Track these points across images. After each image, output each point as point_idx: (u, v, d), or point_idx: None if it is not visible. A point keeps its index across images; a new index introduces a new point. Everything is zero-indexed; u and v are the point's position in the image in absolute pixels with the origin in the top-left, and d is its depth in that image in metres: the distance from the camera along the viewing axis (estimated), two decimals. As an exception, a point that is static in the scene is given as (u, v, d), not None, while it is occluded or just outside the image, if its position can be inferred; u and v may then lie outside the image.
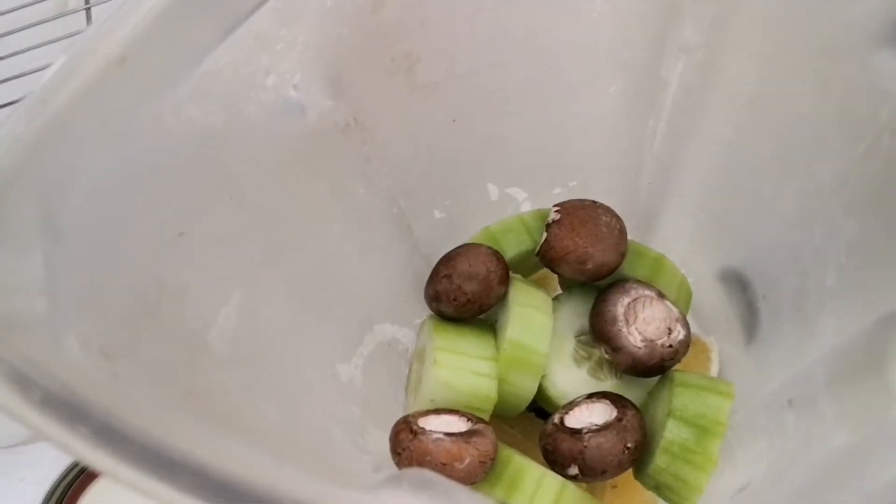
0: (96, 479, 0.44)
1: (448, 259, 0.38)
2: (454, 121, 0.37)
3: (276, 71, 0.28)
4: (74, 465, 0.44)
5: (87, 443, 0.17)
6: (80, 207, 0.23)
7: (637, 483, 0.38)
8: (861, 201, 0.29)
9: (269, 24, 0.26)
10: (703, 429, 0.36)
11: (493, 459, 0.37)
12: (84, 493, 0.44)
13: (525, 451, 0.37)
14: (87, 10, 0.63)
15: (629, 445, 0.38)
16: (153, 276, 0.26)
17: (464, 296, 0.37)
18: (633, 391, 0.40)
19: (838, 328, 0.29)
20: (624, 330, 0.36)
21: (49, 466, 0.44)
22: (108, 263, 0.24)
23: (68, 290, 0.22)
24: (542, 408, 0.39)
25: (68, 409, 0.17)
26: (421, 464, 0.35)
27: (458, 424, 0.36)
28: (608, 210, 0.37)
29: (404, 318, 0.42)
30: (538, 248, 0.37)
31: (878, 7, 0.25)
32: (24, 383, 0.18)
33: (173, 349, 0.26)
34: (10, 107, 0.54)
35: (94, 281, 0.23)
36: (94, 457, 0.17)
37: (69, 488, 0.44)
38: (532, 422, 0.40)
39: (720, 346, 0.43)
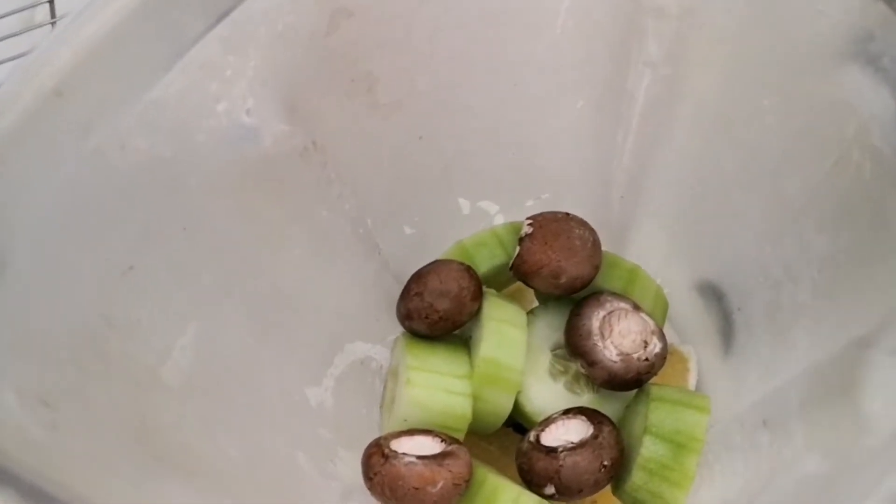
0: None
1: (419, 276, 0.37)
2: (420, 137, 0.37)
3: (227, 97, 0.27)
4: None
5: (12, 506, 0.16)
6: (19, 246, 0.23)
7: (615, 499, 0.38)
8: (832, 217, 0.28)
9: (215, 52, 0.26)
10: (679, 445, 0.36)
11: (467, 482, 0.36)
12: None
13: (503, 468, 0.36)
14: (53, 24, 0.62)
15: (605, 463, 0.37)
16: (100, 313, 0.25)
17: (436, 313, 0.37)
18: (611, 405, 0.39)
19: (812, 344, 0.29)
20: (599, 344, 0.36)
21: None
22: (51, 304, 0.23)
23: (4, 338, 0.21)
24: (519, 423, 0.38)
25: (-3, 474, 0.17)
26: (393, 488, 0.34)
27: (432, 446, 0.36)
28: (582, 222, 0.37)
29: (377, 336, 0.41)
30: (511, 262, 0.37)
31: (841, 23, 0.24)
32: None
33: (122, 389, 0.25)
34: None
35: (34, 324, 0.22)
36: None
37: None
38: (510, 437, 0.40)
39: (698, 356, 0.42)
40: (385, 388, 0.42)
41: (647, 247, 0.41)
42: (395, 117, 0.34)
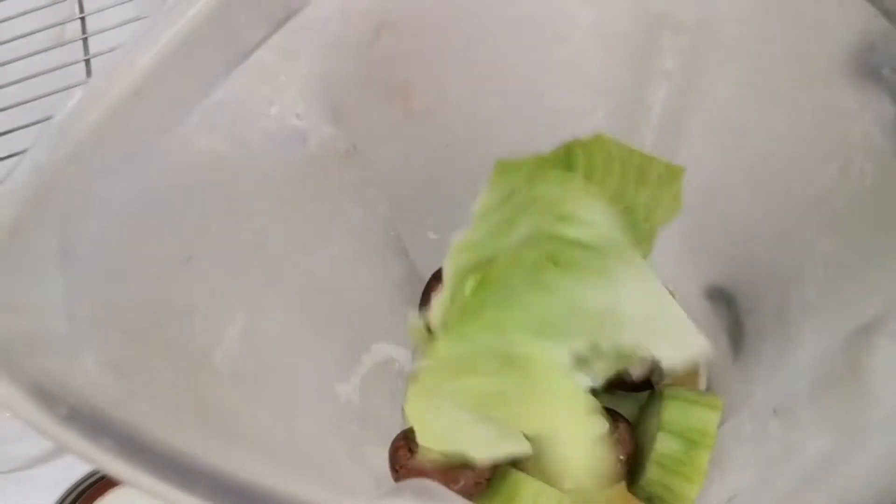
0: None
1: (439, 275, 0.39)
2: (447, 145, 0.39)
3: (280, 101, 0.29)
4: (72, 489, 0.44)
5: (111, 455, 0.18)
6: (95, 234, 0.25)
7: (630, 495, 0.39)
8: (837, 219, 0.30)
9: (271, 59, 0.28)
10: (692, 441, 0.37)
11: (488, 480, 0.38)
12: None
13: (521, 465, 0.38)
14: (84, 39, 0.64)
15: (621, 457, 0.39)
16: (162, 298, 0.27)
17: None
18: (626, 405, 0.41)
19: (819, 337, 0.30)
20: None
21: (48, 491, 0.44)
22: (120, 286, 0.25)
23: (85, 312, 0.23)
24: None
25: (92, 424, 0.19)
26: (418, 481, 0.35)
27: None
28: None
29: (401, 338, 0.43)
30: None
31: (844, 36, 0.26)
32: (49, 400, 0.19)
33: (180, 367, 0.27)
34: (8, 135, 0.56)
35: (107, 303, 0.24)
36: (117, 468, 0.18)
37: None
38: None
39: (708, 362, 0.44)
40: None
41: (660, 253, 0.42)
42: (427, 125, 0.36)
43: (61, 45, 0.64)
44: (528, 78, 0.36)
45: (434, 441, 0.34)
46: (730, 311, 0.41)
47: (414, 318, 0.38)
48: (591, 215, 0.36)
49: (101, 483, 0.44)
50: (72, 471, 0.44)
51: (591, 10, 0.32)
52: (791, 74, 0.30)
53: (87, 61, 0.63)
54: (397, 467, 0.39)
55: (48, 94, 0.56)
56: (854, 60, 0.26)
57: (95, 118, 0.23)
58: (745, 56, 0.31)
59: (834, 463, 0.24)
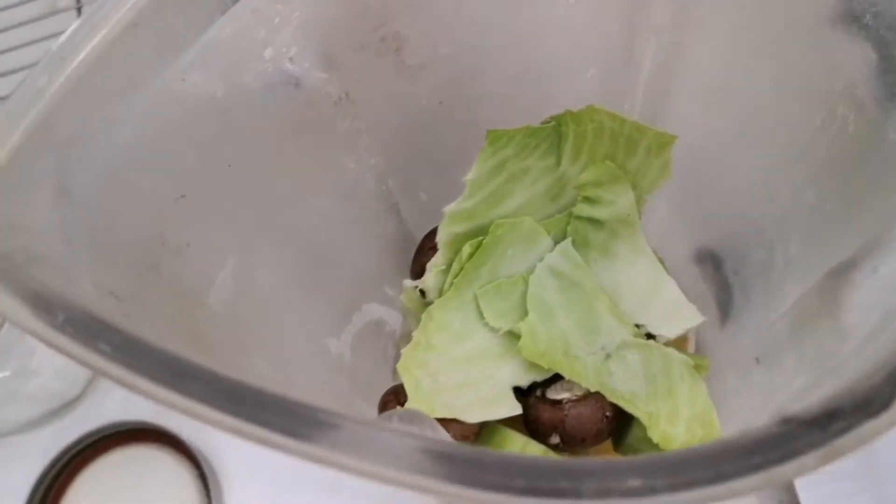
0: (82, 470, 0.45)
1: (434, 233, 0.39)
2: (440, 103, 0.39)
3: (273, 44, 0.29)
4: (60, 457, 0.44)
5: (107, 359, 0.18)
6: (92, 164, 0.25)
7: (617, 453, 0.40)
8: (819, 170, 0.31)
9: (265, 0, 0.28)
10: (678, 400, 0.38)
11: (476, 434, 0.39)
12: (71, 483, 0.45)
13: (508, 421, 0.38)
14: (78, 9, 0.64)
15: (608, 414, 0.39)
16: (156, 233, 0.27)
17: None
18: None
19: (801, 288, 0.31)
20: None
21: (37, 458, 0.44)
22: (116, 219, 0.26)
23: (81, 239, 0.24)
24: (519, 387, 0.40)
25: (88, 330, 0.19)
26: (407, 433, 0.36)
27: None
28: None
29: (391, 300, 0.44)
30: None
31: (828, -15, 0.27)
32: (46, 307, 0.19)
33: (175, 301, 0.27)
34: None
35: (103, 232, 0.25)
36: (113, 371, 0.18)
37: (56, 479, 0.44)
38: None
39: (697, 326, 0.44)
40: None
41: (649, 219, 0.43)
42: (419, 80, 0.37)
43: (54, 13, 0.65)
44: (519, 35, 0.37)
45: (426, 404, 0.34)
46: (717, 273, 0.42)
47: (408, 283, 0.39)
48: (613, 195, 0.37)
49: (90, 450, 0.45)
50: (61, 438, 0.44)
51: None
52: (777, 26, 0.30)
53: (79, 9, 0.63)
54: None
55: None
56: (838, 9, 0.27)
57: (94, 48, 0.24)
58: (732, 9, 0.31)
59: (807, 394, 0.24)
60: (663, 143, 0.36)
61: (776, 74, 0.32)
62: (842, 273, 0.26)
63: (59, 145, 0.23)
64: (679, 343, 0.44)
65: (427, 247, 0.39)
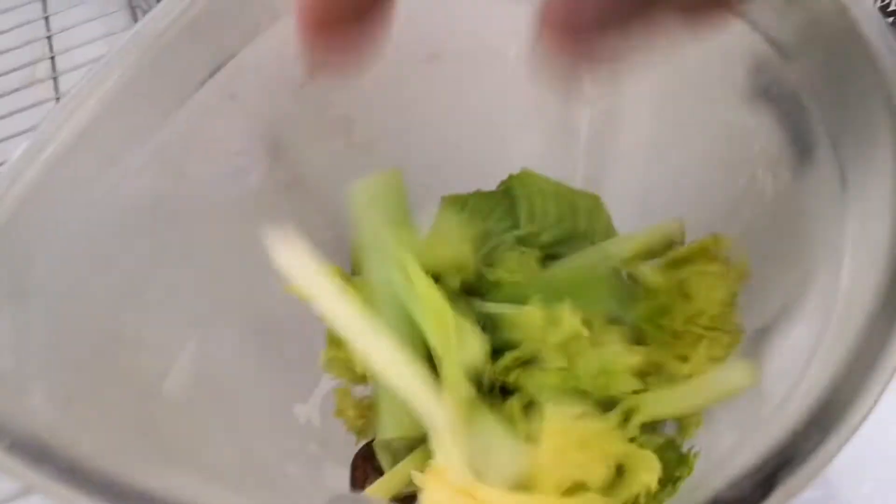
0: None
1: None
2: (395, 171, 0.41)
3: (221, 139, 0.31)
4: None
5: (53, 480, 0.20)
6: (45, 270, 0.26)
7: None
8: (748, 229, 0.32)
9: (212, 98, 0.30)
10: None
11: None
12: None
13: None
14: (55, 79, 0.66)
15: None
16: (111, 330, 0.29)
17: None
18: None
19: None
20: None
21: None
22: (70, 320, 0.27)
23: (34, 346, 0.25)
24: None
25: (35, 452, 0.20)
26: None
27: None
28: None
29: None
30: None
31: (738, 62, 0.29)
32: (-6, 431, 0.20)
33: (132, 397, 0.28)
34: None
35: (57, 336, 0.26)
36: (59, 492, 0.19)
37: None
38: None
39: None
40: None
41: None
42: (370, 155, 0.38)
43: (32, 84, 0.66)
44: (464, 107, 0.39)
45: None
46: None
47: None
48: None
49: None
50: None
51: (514, 45, 0.34)
52: (698, 97, 0.32)
53: (58, 100, 0.65)
54: (356, 488, 0.41)
55: (21, 133, 0.59)
56: (747, 82, 0.29)
57: (46, 159, 0.25)
58: (657, 81, 0.33)
59: (730, 458, 0.25)
60: (594, 203, 0.38)
61: (702, 138, 0.33)
62: (761, 338, 0.27)
63: (13, 257, 0.25)
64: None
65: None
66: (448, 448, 0.28)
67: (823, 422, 0.19)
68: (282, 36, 0.30)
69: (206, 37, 0.28)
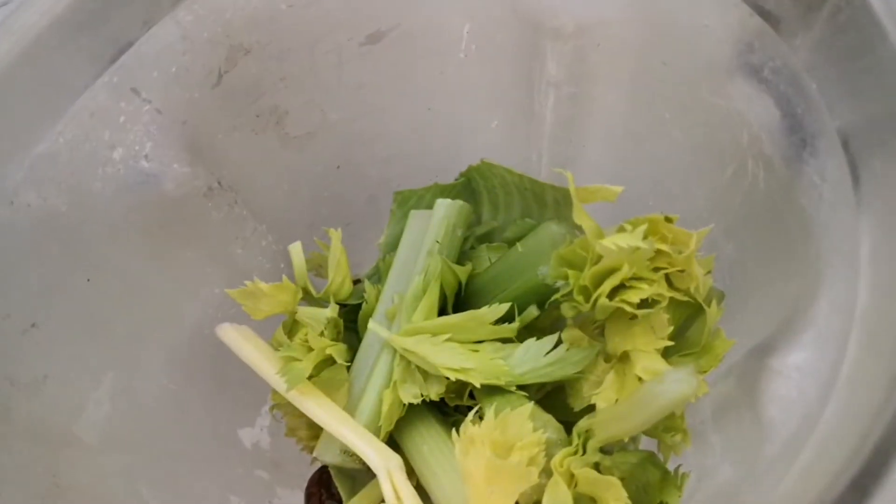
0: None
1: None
2: (338, 167, 0.36)
3: (123, 144, 0.26)
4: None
5: None
6: None
7: None
8: (737, 223, 0.28)
9: (105, 99, 0.25)
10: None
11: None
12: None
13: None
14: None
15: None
16: (4, 375, 0.24)
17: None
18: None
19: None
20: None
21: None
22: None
23: None
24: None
25: None
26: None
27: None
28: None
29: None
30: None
31: (724, 36, 0.25)
32: None
33: (31, 450, 0.24)
34: None
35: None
36: None
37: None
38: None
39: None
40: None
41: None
42: (310, 149, 0.34)
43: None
44: (414, 94, 0.34)
45: None
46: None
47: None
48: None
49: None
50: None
51: (469, 23, 0.30)
52: (679, 77, 0.28)
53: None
54: (311, 513, 0.37)
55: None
56: (735, 62, 0.25)
57: None
58: (631, 60, 0.29)
59: (733, 495, 0.22)
60: (564, 195, 0.34)
61: (683, 124, 0.29)
62: (759, 356, 0.24)
63: None
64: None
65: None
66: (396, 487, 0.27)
67: (861, 483, 0.15)
68: (192, 19, 0.26)
69: (96, 22, 0.24)
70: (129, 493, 0.27)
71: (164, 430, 0.31)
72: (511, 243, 0.35)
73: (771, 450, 0.20)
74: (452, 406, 0.33)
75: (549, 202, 0.35)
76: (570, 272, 0.27)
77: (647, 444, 0.30)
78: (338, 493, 0.36)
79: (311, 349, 0.32)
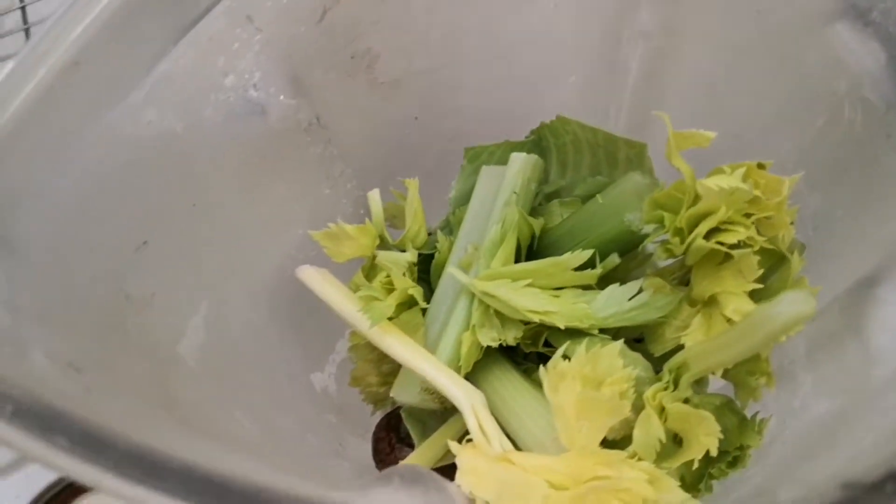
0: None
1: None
2: (416, 118, 0.37)
3: (234, 71, 0.27)
4: (36, 500, 0.42)
5: (67, 454, 0.16)
6: (36, 220, 0.22)
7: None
8: (824, 174, 0.29)
9: (223, 25, 0.26)
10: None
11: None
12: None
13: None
14: (26, 30, 0.61)
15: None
16: (117, 288, 0.25)
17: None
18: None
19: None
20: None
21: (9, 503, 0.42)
22: (70, 276, 0.23)
23: (31, 305, 0.21)
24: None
25: (43, 421, 0.17)
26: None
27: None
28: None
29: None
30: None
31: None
32: (-9, 398, 0.17)
33: (144, 361, 0.25)
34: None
35: (57, 294, 0.22)
36: (74, 468, 0.16)
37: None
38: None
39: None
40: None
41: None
42: (394, 97, 0.34)
43: (1, 36, 0.61)
44: (497, 45, 0.35)
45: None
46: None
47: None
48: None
49: (65, 493, 0.42)
50: (34, 481, 0.42)
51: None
52: (774, 24, 0.29)
53: (27, 30, 0.60)
54: (379, 459, 0.38)
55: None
56: (839, 6, 0.25)
57: (30, 92, 0.21)
58: (725, 8, 0.29)
59: (836, 429, 0.23)
60: (638, 151, 0.35)
61: (773, 75, 0.30)
62: (864, 289, 0.24)
63: (-2, 199, 0.21)
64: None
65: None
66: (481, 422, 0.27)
67: None
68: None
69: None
70: (225, 412, 0.28)
71: (249, 363, 0.32)
72: (583, 200, 0.36)
73: (882, 374, 0.21)
74: (521, 357, 0.33)
75: (622, 159, 0.35)
76: (666, 214, 0.28)
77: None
78: (408, 437, 0.36)
79: (391, 290, 0.33)
